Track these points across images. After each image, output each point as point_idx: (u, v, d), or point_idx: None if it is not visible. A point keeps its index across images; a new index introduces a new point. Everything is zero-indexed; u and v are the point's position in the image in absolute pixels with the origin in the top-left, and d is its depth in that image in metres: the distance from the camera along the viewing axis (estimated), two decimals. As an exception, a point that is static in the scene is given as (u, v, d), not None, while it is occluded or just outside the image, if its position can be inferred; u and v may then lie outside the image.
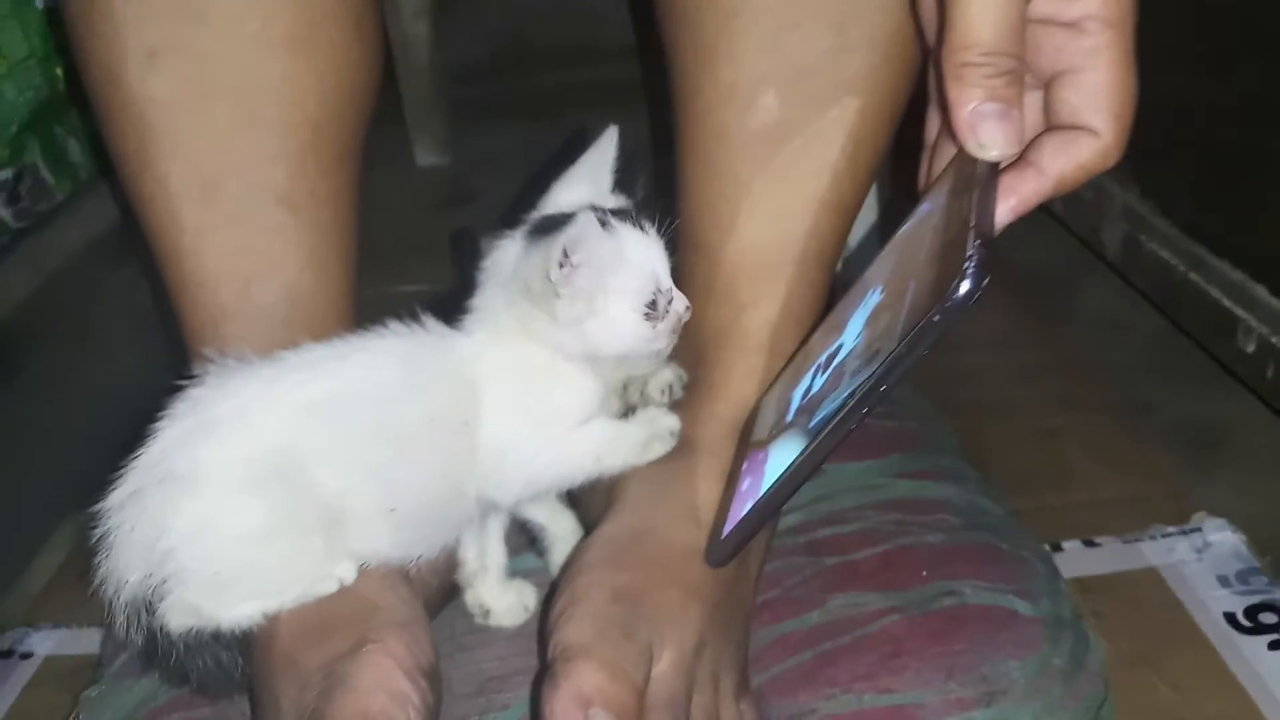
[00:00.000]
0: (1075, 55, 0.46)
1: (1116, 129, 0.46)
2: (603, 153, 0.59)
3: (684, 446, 0.60)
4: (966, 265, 0.40)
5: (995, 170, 0.46)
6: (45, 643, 0.76)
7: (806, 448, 0.48)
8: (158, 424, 0.54)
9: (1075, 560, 0.73)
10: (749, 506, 0.52)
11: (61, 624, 0.77)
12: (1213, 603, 0.69)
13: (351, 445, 0.53)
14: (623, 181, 0.60)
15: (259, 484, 0.52)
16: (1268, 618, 0.67)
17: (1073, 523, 0.76)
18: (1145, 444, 0.84)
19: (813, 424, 0.49)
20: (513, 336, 0.56)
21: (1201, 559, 0.72)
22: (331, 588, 0.54)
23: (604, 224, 0.54)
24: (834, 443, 0.47)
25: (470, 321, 0.58)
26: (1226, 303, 0.70)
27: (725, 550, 0.53)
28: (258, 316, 0.63)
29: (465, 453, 0.56)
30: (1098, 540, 0.75)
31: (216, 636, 0.55)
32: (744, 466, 0.56)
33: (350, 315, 0.68)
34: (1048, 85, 0.48)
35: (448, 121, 1.44)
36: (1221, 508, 0.76)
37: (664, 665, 0.51)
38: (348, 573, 0.55)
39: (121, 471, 0.54)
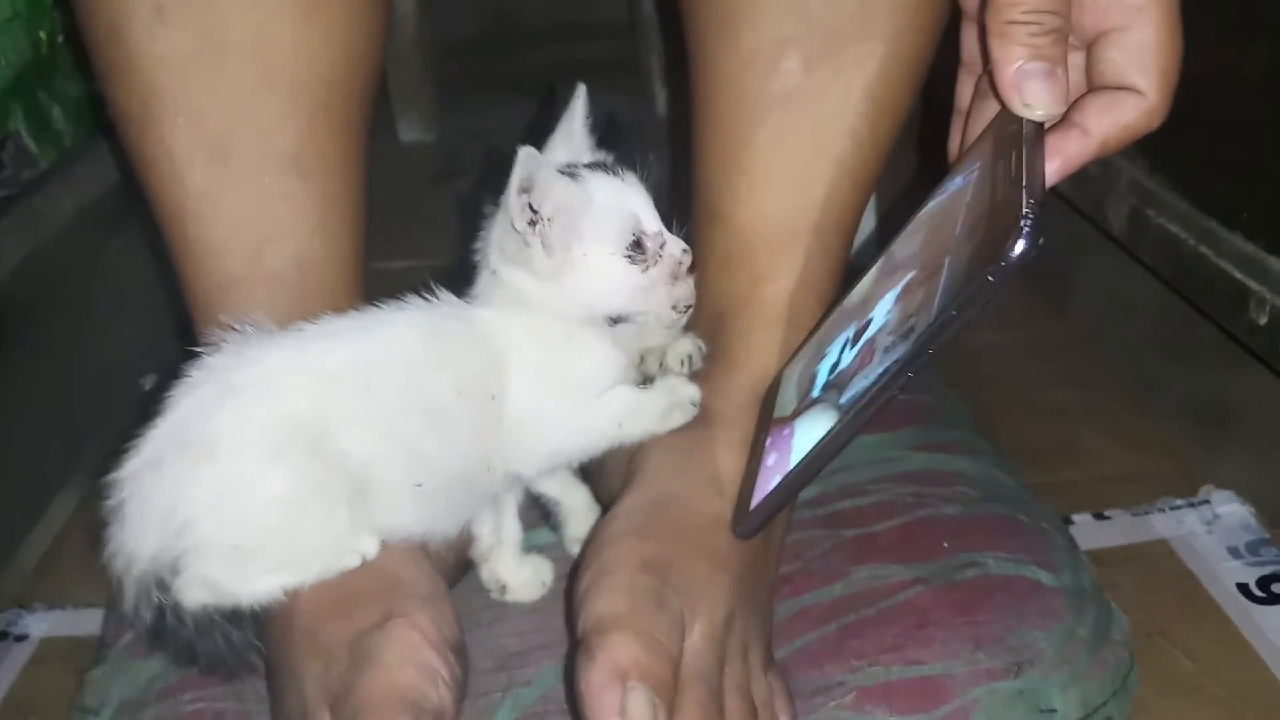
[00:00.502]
0: (1121, 13, 0.46)
1: (1162, 89, 0.45)
2: (575, 114, 0.58)
3: (704, 417, 0.59)
4: (1022, 224, 0.40)
5: (1041, 130, 0.45)
6: (41, 624, 0.74)
7: (840, 420, 0.47)
8: (174, 392, 0.53)
9: (1086, 533, 0.73)
10: (778, 480, 0.51)
11: (56, 605, 0.75)
12: (1224, 574, 0.69)
13: (379, 415, 0.52)
14: (605, 139, 0.59)
15: (284, 452, 0.50)
16: (1280, 588, 0.68)
17: (1082, 497, 0.76)
18: (1153, 419, 0.84)
19: (844, 399, 0.49)
20: (517, 309, 0.55)
21: (1211, 531, 0.73)
22: (354, 562, 0.53)
23: (570, 174, 0.53)
24: (869, 414, 0.46)
25: (477, 299, 0.57)
26: (1238, 275, 0.70)
27: (753, 522, 0.53)
28: (267, 284, 0.62)
29: (492, 425, 0.55)
30: (1107, 513, 0.75)
31: (228, 614, 0.54)
32: (767, 441, 0.56)
33: (359, 284, 0.66)
34: (1091, 44, 0.47)
35: (434, 97, 1.42)
36: (1230, 481, 0.76)
37: (695, 637, 0.50)
38: (370, 547, 0.53)
39: (135, 440, 0.52)
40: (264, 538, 0.51)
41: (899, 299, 0.49)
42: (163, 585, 0.52)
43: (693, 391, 0.59)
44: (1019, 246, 0.40)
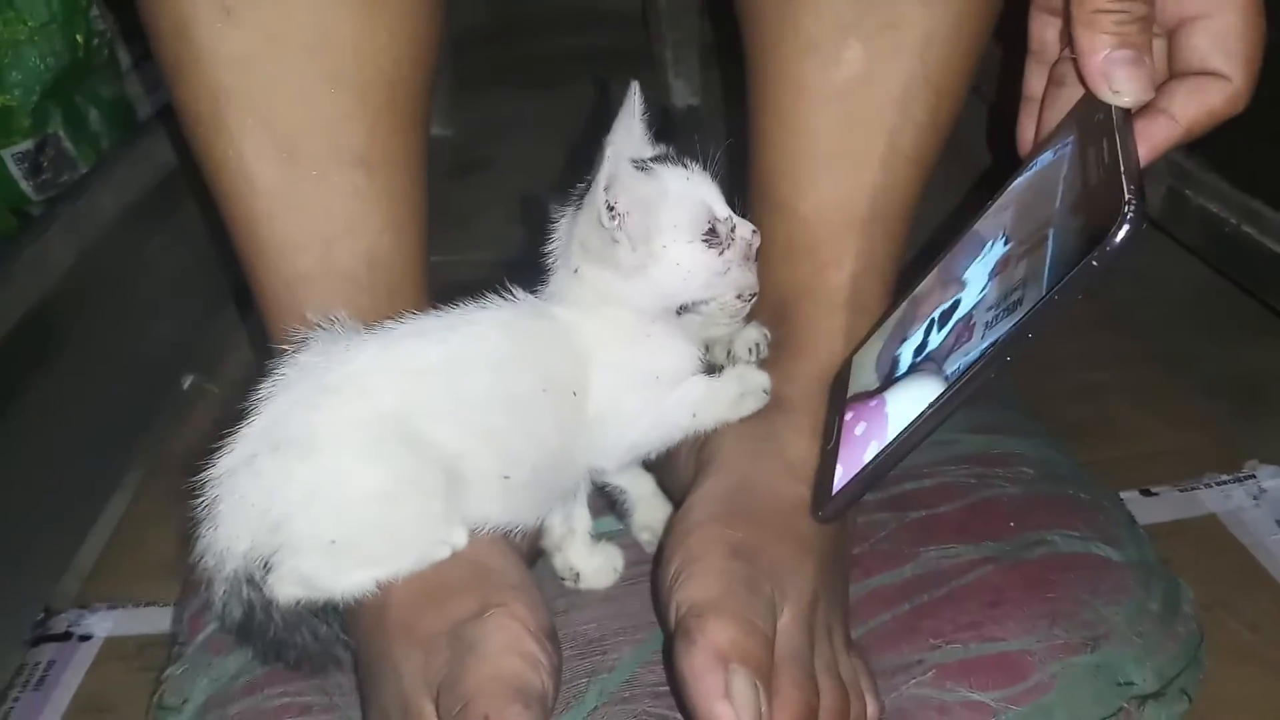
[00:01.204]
0: (1204, 1, 0.47)
1: (1247, 74, 0.46)
2: (631, 110, 0.59)
3: (774, 404, 0.60)
4: (1126, 210, 0.41)
5: (1129, 117, 0.46)
6: (104, 623, 0.74)
7: (948, 390, 0.48)
8: (264, 391, 0.53)
9: (1136, 510, 0.73)
10: (874, 452, 0.52)
11: (117, 604, 0.75)
12: (1276, 546, 0.71)
13: (468, 411, 0.53)
14: (662, 132, 0.60)
15: (379, 448, 0.51)
16: (1331, 559, 0.69)
17: (1127, 474, 0.78)
18: (1189, 395, 0.86)
19: (949, 371, 0.49)
20: (597, 307, 0.56)
21: (1259, 504, 0.74)
22: (445, 553, 0.54)
23: (641, 167, 0.54)
24: (973, 389, 0.47)
25: (553, 297, 0.58)
26: (1284, 253, 0.71)
27: (841, 502, 0.53)
28: (338, 281, 0.62)
29: (575, 421, 0.55)
30: (1155, 490, 0.77)
31: (317, 610, 0.54)
32: (848, 416, 0.56)
33: (425, 280, 0.67)
34: (1173, 31, 0.48)
35: (450, 90, 1.41)
36: (1271, 454, 0.78)
37: (786, 619, 0.51)
38: (460, 538, 0.54)
39: (226, 440, 0.53)
40: (360, 532, 0.52)
41: (994, 274, 0.50)
42: (253, 582, 0.53)
43: (763, 379, 0.60)
44: (1123, 233, 0.41)
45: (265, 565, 0.53)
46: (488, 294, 0.57)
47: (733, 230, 0.56)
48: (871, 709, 0.53)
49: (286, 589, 0.53)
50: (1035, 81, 0.55)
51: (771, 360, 0.63)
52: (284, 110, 0.61)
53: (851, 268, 0.63)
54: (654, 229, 0.54)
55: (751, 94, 0.66)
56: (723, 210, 0.56)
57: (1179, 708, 0.57)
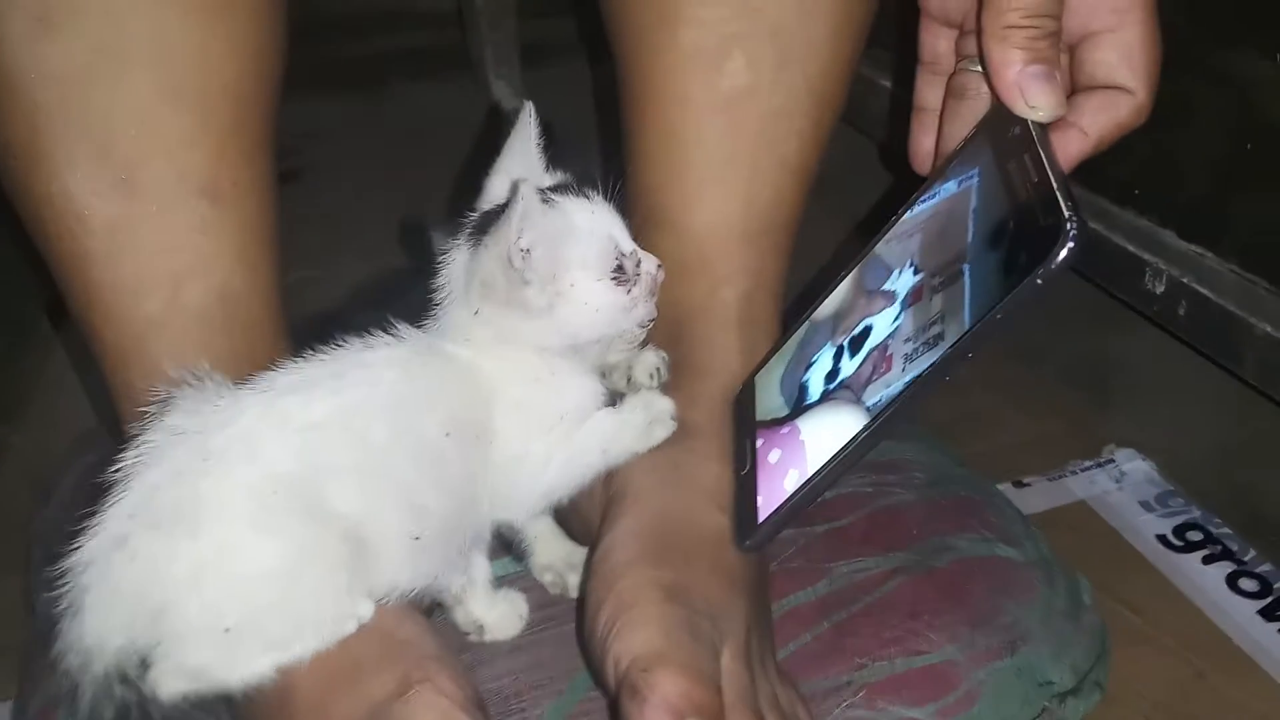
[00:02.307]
0: (1108, 15, 0.47)
1: (1150, 87, 0.47)
2: (525, 132, 0.56)
3: (681, 429, 0.58)
4: (1069, 226, 0.40)
5: (1046, 131, 0.46)
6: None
7: (882, 414, 0.47)
8: (128, 463, 0.47)
9: (1013, 501, 0.76)
10: (795, 484, 0.50)
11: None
12: (1142, 527, 0.74)
13: (372, 466, 0.48)
14: (556, 158, 0.57)
15: (275, 518, 0.45)
16: (1194, 535, 0.73)
17: (998, 466, 0.80)
18: (1046, 384, 0.89)
19: (870, 402, 0.49)
20: (495, 346, 0.53)
21: (1121, 488, 0.78)
22: (351, 628, 0.49)
23: (544, 199, 0.51)
24: (902, 417, 0.47)
25: (446, 335, 0.53)
26: (1132, 248, 0.75)
27: (768, 531, 0.52)
28: (190, 324, 0.56)
29: (482, 467, 0.52)
30: (1026, 480, 0.79)
31: (205, 703, 0.48)
32: (760, 443, 0.55)
33: (283, 317, 0.61)
34: (1075, 46, 0.49)
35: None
36: (1126, 437, 0.82)
37: (727, 658, 0.49)
38: (367, 610, 0.49)
39: (88, 522, 0.46)
40: (258, 615, 0.46)
41: (907, 304, 0.49)
42: (128, 680, 0.47)
43: (669, 404, 0.58)
44: (1065, 250, 0.40)
45: (143, 661, 0.46)
46: (369, 331, 0.52)
47: (638, 265, 0.53)
48: None
49: (171, 685, 0.46)
50: (928, 92, 0.54)
51: (672, 384, 0.60)
52: (118, 134, 0.54)
53: (744, 284, 0.62)
54: (561, 267, 0.51)
55: (629, 107, 0.63)
56: (628, 244, 0.53)
57: (1094, 699, 0.58)
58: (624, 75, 0.64)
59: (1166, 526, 0.74)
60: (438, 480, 0.50)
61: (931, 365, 0.45)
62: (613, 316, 0.53)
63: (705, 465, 0.57)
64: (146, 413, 0.49)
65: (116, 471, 0.47)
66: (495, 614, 0.59)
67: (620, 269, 0.52)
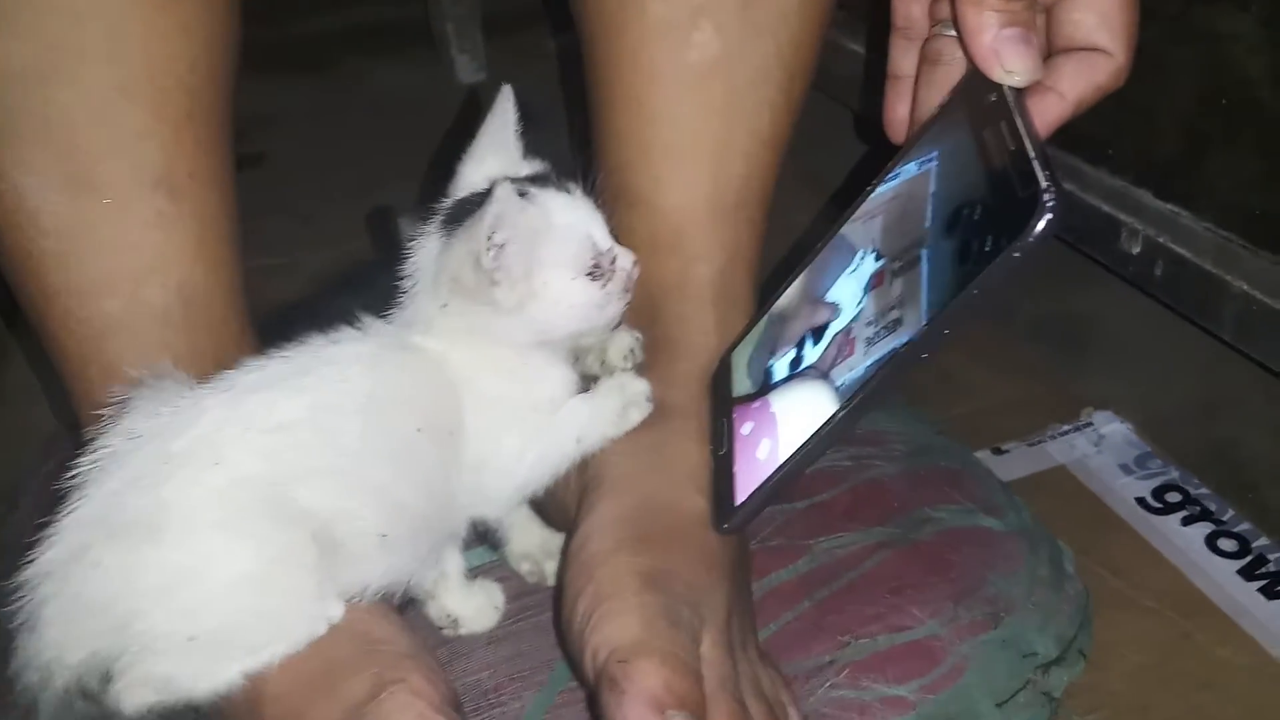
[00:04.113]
0: None
1: (1128, 47, 0.46)
2: (503, 117, 0.54)
3: (658, 411, 0.56)
4: (1045, 198, 0.39)
5: (1022, 96, 0.45)
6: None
7: (844, 406, 0.47)
8: (86, 469, 0.45)
9: (992, 469, 0.76)
10: (775, 469, 0.50)
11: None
12: (1122, 490, 0.74)
13: (342, 465, 0.46)
14: (533, 143, 0.56)
15: (243, 522, 0.44)
16: (1173, 497, 0.73)
17: (975, 431, 0.79)
18: (1019, 345, 0.89)
19: (839, 383, 0.48)
20: (464, 337, 0.51)
21: (1101, 451, 0.77)
22: (321, 630, 0.47)
23: (522, 194, 0.49)
24: (876, 399, 0.47)
25: (414, 327, 0.52)
26: (1107, 209, 0.74)
27: (746, 514, 0.51)
28: (150, 324, 0.54)
29: (454, 464, 0.50)
30: (1005, 447, 0.78)
31: (171, 713, 0.47)
32: (736, 424, 0.54)
33: (246, 313, 0.59)
34: (1052, 7, 0.47)
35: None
36: (1101, 398, 0.81)
37: (707, 644, 0.48)
38: (337, 610, 0.48)
39: (46, 532, 0.45)
40: (227, 622, 0.45)
41: (869, 289, 0.49)
42: (90, 694, 0.45)
43: (644, 386, 0.56)
44: (1043, 222, 0.39)
45: (105, 674, 0.45)
46: (334, 323, 0.51)
47: (613, 262, 0.52)
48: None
49: (137, 697, 0.45)
50: (902, 59, 0.53)
51: (648, 363, 0.59)
52: (71, 130, 0.52)
53: (719, 260, 0.61)
54: (534, 265, 0.49)
55: (596, 82, 0.62)
56: (604, 240, 0.52)
57: (1078, 668, 0.58)
58: (590, 49, 0.62)
59: (1145, 489, 0.74)
60: (411, 478, 0.48)
61: (906, 342, 0.44)
62: (585, 313, 0.52)
63: (684, 447, 0.56)
64: (103, 417, 0.47)
65: (72, 479, 0.46)
66: (470, 606, 0.58)
67: (596, 266, 0.51)
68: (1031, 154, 0.41)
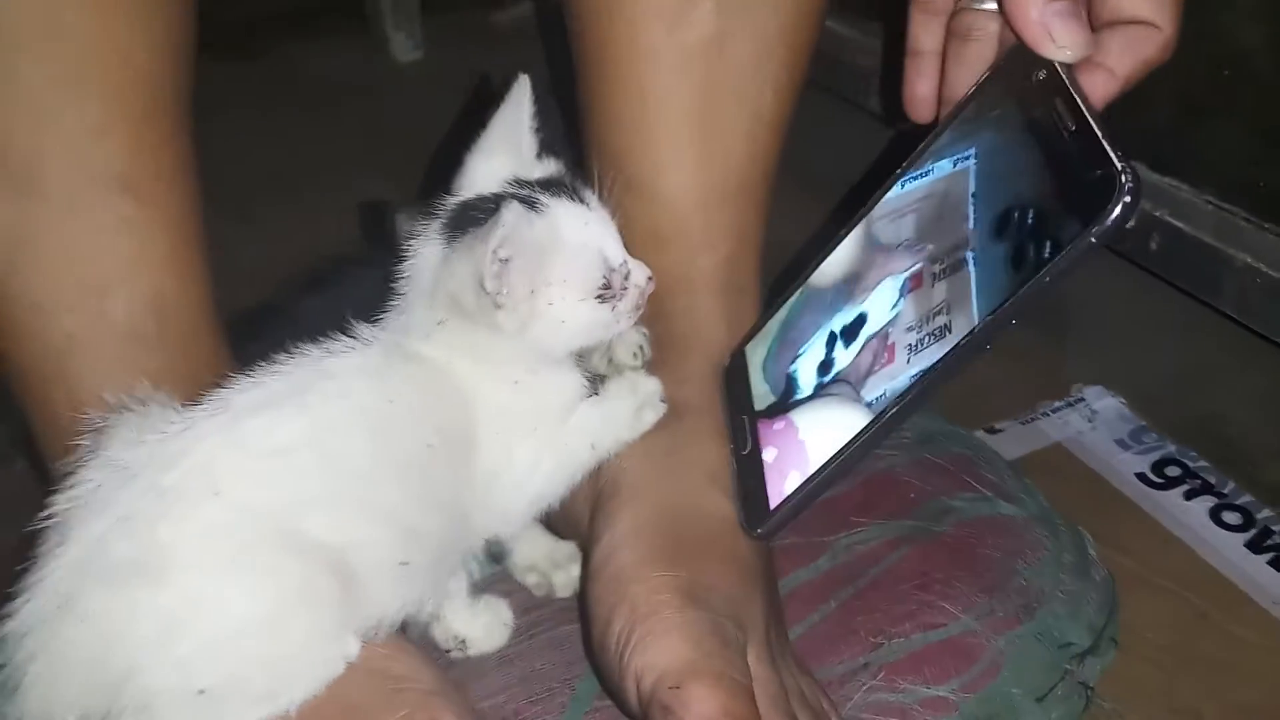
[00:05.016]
0: None
1: (1174, 19, 0.44)
2: (517, 110, 0.50)
3: (671, 410, 0.54)
4: (1123, 179, 0.37)
5: (1073, 72, 0.43)
6: None
7: (885, 414, 0.45)
8: (63, 507, 0.40)
9: (989, 449, 0.75)
10: (801, 479, 0.48)
11: None
12: (1121, 466, 0.73)
13: (352, 489, 0.42)
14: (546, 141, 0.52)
15: (253, 559, 0.40)
16: (1173, 471, 0.72)
17: (967, 411, 0.77)
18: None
19: (870, 398, 0.46)
20: (461, 353, 0.47)
21: (1095, 427, 0.76)
22: (339, 670, 0.43)
23: (532, 204, 0.46)
24: (949, 377, 0.44)
25: (412, 333, 0.48)
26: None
27: (781, 518, 0.49)
28: (119, 342, 0.50)
29: (467, 481, 0.47)
30: (998, 426, 0.77)
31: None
32: (759, 432, 0.52)
33: (219, 324, 0.54)
34: None
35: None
36: (1091, 374, 0.80)
37: (752, 660, 0.46)
38: (354, 647, 0.44)
39: (25, 581, 0.40)
40: (240, 670, 0.40)
41: (905, 292, 0.47)
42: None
43: (655, 385, 0.53)
44: (1123, 203, 0.37)
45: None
46: (307, 333, 0.46)
47: (626, 278, 0.48)
48: None
49: (142, 757, 0.41)
50: (924, 35, 0.50)
51: (656, 361, 0.56)
52: (11, 126, 0.46)
53: (724, 248, 0.58)
54: (540, 284, 0.46)
55: (589, 64, 0.58)
56: (617, 255, 0.48)
57: (1110, 655, 0.57)
58: (581, 29, 0.58)
59: (1144, 464, 0.73)
60: (425, 498, 0.45)
61: (960, 342, 0.43)
62: (591, 334, 0.49)
63: (702, 446, 0.53)
64: (77, 445, 0.43)
65: (47, 518, 0.41)
66: (478, 625, 0.54)
67: (606, 286, 0.48)
68: (1099, 131, 0.39)
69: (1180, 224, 0.68)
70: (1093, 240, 0.38)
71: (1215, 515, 0.69)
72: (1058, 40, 0.42)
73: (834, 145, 0.96)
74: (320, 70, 1.31)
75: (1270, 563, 0.66)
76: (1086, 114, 0.40)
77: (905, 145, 0.50)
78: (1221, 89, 0.65)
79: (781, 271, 0.60)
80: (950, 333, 0.44)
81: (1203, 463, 0.72)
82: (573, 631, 0.54)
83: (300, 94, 1.28)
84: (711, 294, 0.57)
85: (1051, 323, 0.87)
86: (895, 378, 0.46)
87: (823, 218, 0.81)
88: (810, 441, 0.49)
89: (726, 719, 0.41)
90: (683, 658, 0.43)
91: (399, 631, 0.50)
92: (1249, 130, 0.65)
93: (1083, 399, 0.78)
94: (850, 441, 0.46)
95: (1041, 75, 0.43)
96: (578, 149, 0.58)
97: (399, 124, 1.19)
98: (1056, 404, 0.78)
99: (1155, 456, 0.73)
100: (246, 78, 1.30)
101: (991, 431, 0.77)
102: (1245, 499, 0.70)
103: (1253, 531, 0.68)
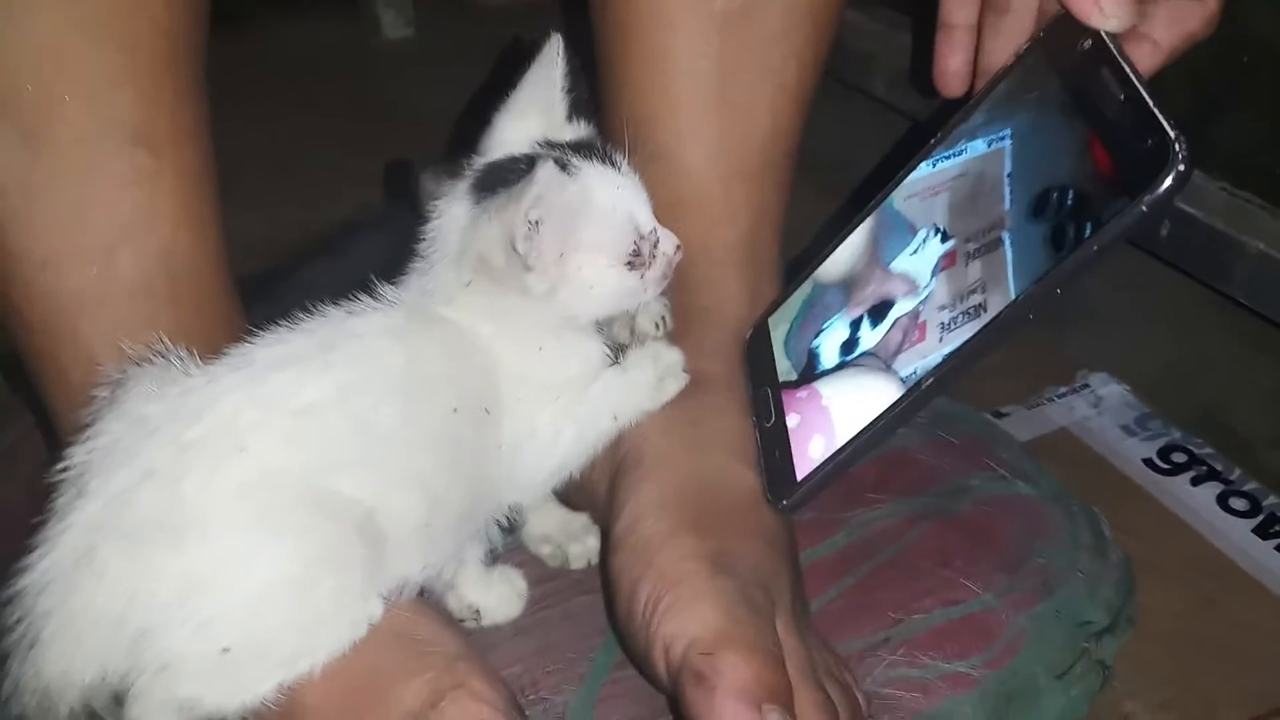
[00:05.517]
0: None
1: None
2: (547, 69, 0.49)
3: (694, 382, 0.53)
4: (1177, 146, 0.37)
5: (1119, 42, 0.42)
6: None
7: (921, 385, 0.45)
8: (80, 459, 0.39)
9: (997, 434, 0.75)
10: (835, 450, 0.47)
11: None
12: (1127, 451, 0.73)
13: (380, 450, 0.41)
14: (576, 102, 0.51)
15: (279, 518, 0.39)
16: (1179, 457, 0.72)
17: (970, 394, 0.77)
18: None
19: (906, 372, 0.46)
20: (485, 314, 0.47)
21: (1100, 413, 0.76)
22: (361, 632, 0.42)
23: (564, 166, 0.45)
24: (959, 376, 0.45)
25: (435, 296, 0.47)
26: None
27: (805, 494, 0.48)
28: (130, 298, 0.48)
29: (493, 446, 0.46)
30: (1004, 410, 0.77)
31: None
32: (784, 403, 0.51)
33: (232, 283, 0.53)
34: None
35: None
36: (1095, 360, 0.80)
37: (781, 629, 0.45)
38: (377, 609, 0.43)
39: (42, 537, 0.39)
40: (264, 631, 0.39)
41: (939, 272, 0.46)
42: (98, 718, 0.40)
43: (678, 355, 0.53)
44: (1175, 172, 0.37)
45: (116, 697, 0.39)
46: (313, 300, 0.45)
47: (655, 245, 0.48)
48: (860, 702, 0.49)
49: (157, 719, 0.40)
50: (956, 8, 0.50)
51: (677, 331, 0.55)
52: (24, 77, 0.45)
53: (746, 221, 0.57)
54: (570, 247, 0.45)
55: (612, 34, 0.57)
56: (648, 222, 0.48)
57: (1127, 634, 0.56)
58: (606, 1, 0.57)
59: (1151, 450, 0.73)
60: (452, 463, 0.44)
61: (1000, 311, 0.42)
62: (619, 300, 0.48)
63: (725, 419, 0.52)
64: (89, 400, 0.41)
65: (63, 470, 0.40)
66: (493, 596, 0.53)
67: (636, 253, 0.47)
68: (1149, 100, 0.39)
69: (1191, 210, 0.68)
70: (1144, 209, 0.37)
71: (1222, 501, 0.69)
72: (1106, 10, 0.42)
73: (835, 129, 0.96)
74: (310, 47, 1.29)
75: (1278, 548, 0.66)
76: (1136, 83, 0.39)
77: (912, 134, 0.50)
78: (1236, 75, 0.66)
79: (792, 260, 0.60)
80: (985, 311, 0.43)
81: (1208, 450, 0.73)
82: (589, 603, 0.54)
83: (290, 71, 1.26)
84: (732, 267, 0.57)
85: (1058, 308, 0.87)
86: (926, 355, 0.45)
87: (820, 202, 0.81)
88: (835, 408, 0.48)
89: (760, 688, 0.41)
90: (713, 625, 0.42)
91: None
92: (1263, 116, 0.65)
93: (1088, 385, 0.78)
94: (886, 410, 0.46)
95: (1086, 45, 0.42)
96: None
97: (390, 101, 1.18)
98: (1061, 389, 0.78)
99: (1161, 443, 0.73)
100: (236, 55, 1.28)
101: (997, 415, 0.76)
102: (1251, 485, 0.70)
103: (1260, 517, 0.68)
